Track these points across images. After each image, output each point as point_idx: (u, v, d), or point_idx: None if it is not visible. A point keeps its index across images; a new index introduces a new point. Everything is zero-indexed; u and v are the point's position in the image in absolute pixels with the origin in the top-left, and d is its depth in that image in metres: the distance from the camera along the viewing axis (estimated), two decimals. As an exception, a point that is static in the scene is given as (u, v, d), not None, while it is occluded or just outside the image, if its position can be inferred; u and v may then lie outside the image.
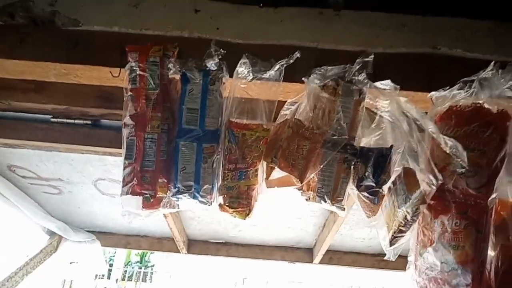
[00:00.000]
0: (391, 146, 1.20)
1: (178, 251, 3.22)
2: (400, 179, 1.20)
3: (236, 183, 1.23)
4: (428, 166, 1.13)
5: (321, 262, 3.20)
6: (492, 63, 1.12)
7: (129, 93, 1.21)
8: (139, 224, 3.18)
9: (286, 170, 1.22)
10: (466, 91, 1.21)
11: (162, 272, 11.59)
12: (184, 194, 1.20)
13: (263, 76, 1.30)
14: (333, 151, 1.22)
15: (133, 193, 1.17)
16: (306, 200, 1.31)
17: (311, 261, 3.26)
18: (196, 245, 3.33)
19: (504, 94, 1.20)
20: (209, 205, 1.23)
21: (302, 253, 3.31)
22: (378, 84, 1.27)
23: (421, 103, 1.35)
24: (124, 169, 1.19)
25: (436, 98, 1.30)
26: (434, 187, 1.06)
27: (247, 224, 2.97)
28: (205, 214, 2.84)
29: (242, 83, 1.31)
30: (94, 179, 2.38)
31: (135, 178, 1.16)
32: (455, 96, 1.24)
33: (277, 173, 1.33)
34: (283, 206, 2.65)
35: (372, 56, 1.24)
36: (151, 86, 1.19)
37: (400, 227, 1.16)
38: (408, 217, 1.13)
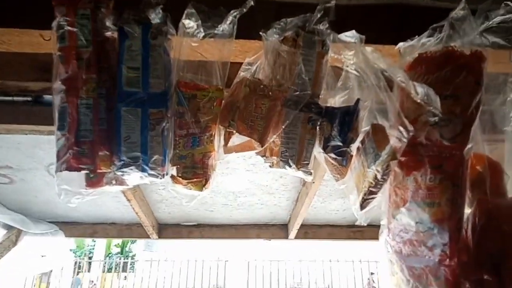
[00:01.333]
0: (358, 99, 1.10)
1: (148, 237, 3.08)
2: (369, 136, 1.10)
3: (189, 151, 1.09)
4: (398, 119, 1.03)
5: (296, 237, 3.14)
6: (463, 1, 1.02)
7: (58, 53, 1.04)
8: (106, 212, 3.01)
9: (245, 134, 1.10)
10: (437, 37, 1.11)
11: (143, 261, 11.46)
12: (131, 167, 1.05)
13: (215, 32, 1.16)
14: (295, 109, 1.10)
15: (70, 168, 1.01)
16: (270, 166, 1.19)
17: (286, 237, 3.20)
18: (168, 229, 3.20)
19: (476, 40, 1.11)
20: (160, 178, 1.09)
21: (277, 230, 3.24)
22: (342, 36, 1.16)
23: (390, 58, 1.25)
24: (57, 142, 1.03)
25: (404, 49, 1.21)
26: (405, 140, 0.96)
27: (218, 204, 2.85)
28: (173, 196, 2.69)
29: (193, 41, 1.17)
30: (46, 164, 2.18)
31: (69, 151, 1.00)
32: (424, 44, 1.14)
33: (238, 139, 1.21)
34: (254, 183, 2.55)
35: (334, 1, 1.12)
36: (82, 43, 1.02)
37: (371, 188, 1.06)
38: (378, 176, 1.03)
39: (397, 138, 0.99)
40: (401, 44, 1.21)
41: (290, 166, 1.14)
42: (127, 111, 1.04)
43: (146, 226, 2.87)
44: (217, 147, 1.15)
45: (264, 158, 1.21)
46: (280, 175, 2.46)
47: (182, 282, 10.08)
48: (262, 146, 1.10)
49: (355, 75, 1.19)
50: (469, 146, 0.96)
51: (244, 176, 2.42)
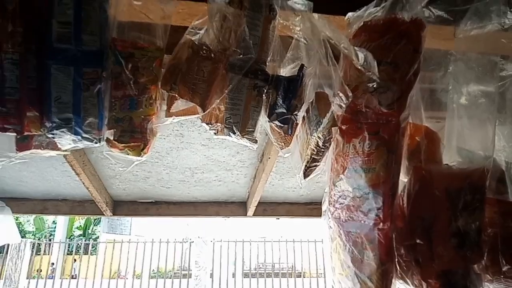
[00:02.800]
0: (302, 65, 1.08)
1: (102, 214, 3.00)
2: (313, 104, 1.10)
3: (126, 113, 1.04)
4: (341, 87, 1.02)
5: (255, 215, 3.16)
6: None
7: (-21, 3, 0.95)
8: (56, 188, 2.89)
9: (187, 98, 1.06)
10: (382, 7, 1.11)
11: (106, 242, 11.23)
12: (62, 130, 0.99)
13: (159, -9, 1.11)
14: (239, 74, 1.07)
15: (-7, 128, 0.94)
16: (215, 133, 1.16)
17: (245, 214, 3.21)
18: (123, 206, 3.12)
19: (420, 14, 1.12)
20: (96, 143, 1.03)
21: (236, 207, 3.25)
22: (291, 2, 1.14)
23: (339, 29, 1.25)
24: (-21, 100, 0.95)
25: (353, 19, 1.20)
26: (345, 106, 0.96)
27: (175, 180, 2.81)
28: (127, 171, 2.62)
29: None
30: (-15, 134, 2.04)
31: (-7, 110, 0.93)
32: (371, 14, 1.14)
33: (182, 105, 1.17)
34: (210, 159, 2.52)
35: (281, -36, 1.09)
36: (6, -7, 0.94)
37: (313, 156, 1.07)
38: (320, 143, 1.03)
39: (337, 104, 0.99)
40: (350, 14, 1.21)
41: (234, 133, 1.11)
42: (57, 69, 0.97)
43: (99, 203, 2.79)
44: (160, 111, 1.10)
45: (209, 125, 1.18)
46: (237, 151, 2.44)
47: (146, 264, 9.99)
48: (204, 111, 1.07)
49: (304, 44, 1.17)
50: (405, 112, 0.97)
51: (200, 151, 2.39)
